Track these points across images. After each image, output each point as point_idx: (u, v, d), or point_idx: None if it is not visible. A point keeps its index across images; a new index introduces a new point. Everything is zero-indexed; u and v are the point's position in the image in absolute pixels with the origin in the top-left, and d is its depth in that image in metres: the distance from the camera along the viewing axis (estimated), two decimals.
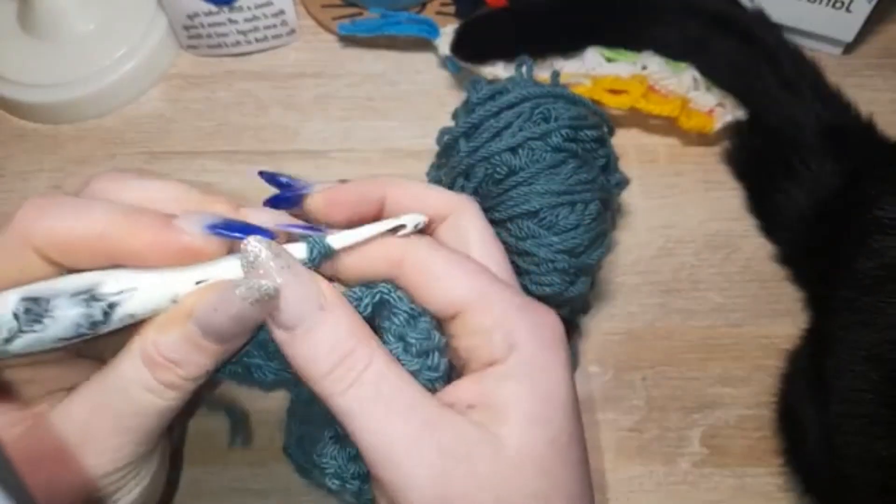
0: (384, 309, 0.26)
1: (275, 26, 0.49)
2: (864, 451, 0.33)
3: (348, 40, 0.50)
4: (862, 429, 0.33)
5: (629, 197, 0.43)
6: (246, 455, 0.37)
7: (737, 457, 0.37)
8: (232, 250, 0.26)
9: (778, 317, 0.40)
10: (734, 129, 0.44)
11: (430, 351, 0.26)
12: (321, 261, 0.26)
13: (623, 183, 0.38)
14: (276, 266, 0.24)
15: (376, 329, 0.27)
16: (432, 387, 0.26)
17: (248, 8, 0.47)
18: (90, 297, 0.24)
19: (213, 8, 0.47)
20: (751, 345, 0.40)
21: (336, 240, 0.26)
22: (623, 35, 0.44)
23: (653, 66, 0.44)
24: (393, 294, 0.26)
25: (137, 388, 0.25)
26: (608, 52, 0.44)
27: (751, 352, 0.40)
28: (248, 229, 0.25)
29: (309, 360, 0.24)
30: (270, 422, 0.38)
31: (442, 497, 0.23)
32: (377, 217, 0.28)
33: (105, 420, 0.25)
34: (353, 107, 0.48)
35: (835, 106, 0.42)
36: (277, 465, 0.37)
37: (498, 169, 0.35)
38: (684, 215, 0.43)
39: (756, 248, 0.42)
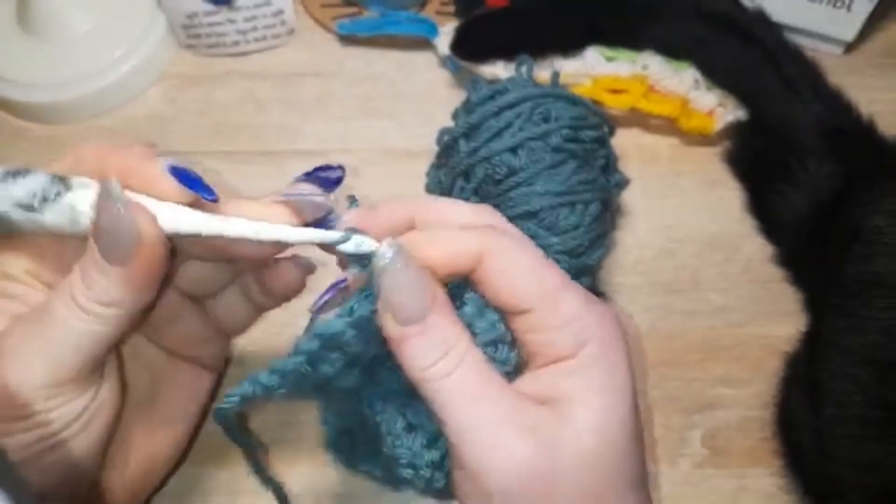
0: (453, 300, 0.27)
1: (274, 26, 0.48)
2: (856, 452, 0.33)
3: (348, 40, 0.49)
4: (854, 431, 0.33)
5: (630, 197, 0.43)
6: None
7: (737, 458, 0.37)
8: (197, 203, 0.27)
9: (779, 318, 0.40)
10: (735, 130, 0.44)
11: (497, 342, 0.27)
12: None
13: (623, 183, 0.38)
14: (400, 268, 0.25)
15: None
16: (506, 379, 0.27)
17: (247, 7, 0.47)
18: (59, 179, 0.26)
19: (212, 7, 0.46)
20: (751, 346, 0.40)
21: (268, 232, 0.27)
22: (623, 34, 0.44)
23: (653, 65, 0.44)
24: (461, 286, 0.27)
25: (58, 305, 0.26)
26: (608, 52, 0.44)
27: (751, 353, 0.39)
28: (195, 183, 0.27)
29: (418, 353, 0.25)
30: (270, 422, 0.38)
31: (525, 478, 0.24)
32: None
33: (32, 335, 0.27)
34: (352, 106, 0.48)
35: (835, 106, 0.42)
36: (276, 466, 0.37)
37: (498, 169, 0.35)
38: (685, 216, 0.43)
39: (757, 248, 0.42)
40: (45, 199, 0.26)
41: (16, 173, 0.26)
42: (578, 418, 0.25)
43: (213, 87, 0.48)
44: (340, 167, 0.29)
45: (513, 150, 0.35)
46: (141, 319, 0.29)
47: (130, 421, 0.32)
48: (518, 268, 0.27)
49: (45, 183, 0.26)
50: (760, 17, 0.44)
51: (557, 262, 0.33)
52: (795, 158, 0.40)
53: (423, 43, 0.47)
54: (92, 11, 0.48)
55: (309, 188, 0.29)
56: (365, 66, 0.49)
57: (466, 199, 0.36)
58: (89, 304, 0.26)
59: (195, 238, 0.27)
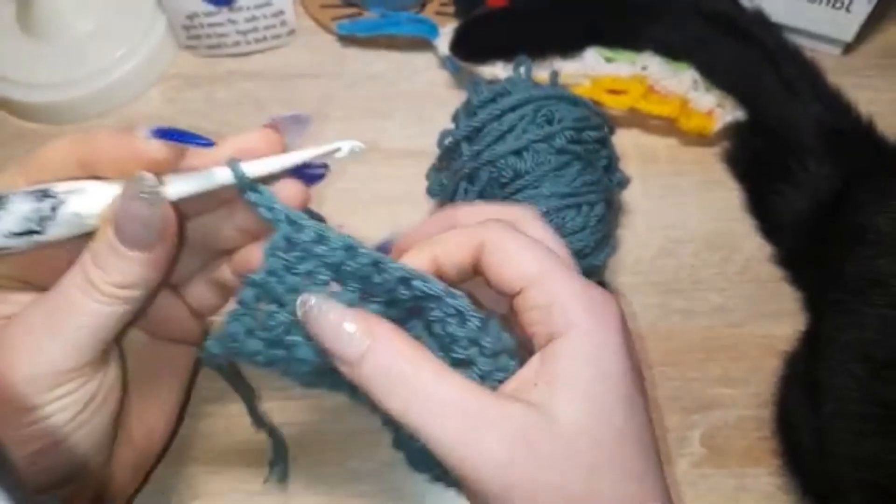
0: (459, 318, 0.27)
1: (274, 26, 0.48)
2: (856, 449, 0.33)
3: (348, 40, 0.50)
4: (853, 427, 0.33)
5: (629, 197, 0.43)
6: (246, 455, 0.37)
7: (736, 457, 0.37)
8: (185, 163, 0.28)
9: (778, 317, 0.40)
10: (734, 130, 0.44)
11: (501, 352, 0.27)
12: (244, 184, 0.27)
13: (624, 182, 0.38)
14: (330, 312, 0.26)
15: (452, 336, 0.28)
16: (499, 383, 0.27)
17: (248, 8, 0.47)
18: (42, 194, 0.26)
19: (213, 8, 0.46)
20: (750, 345, 0.40)
21: (256, 166, 0.28)
22: (623, 35, 0.44)
23: (653, 66, 0.44)
24: (462, 302, 0.27)
25: (72, 290, 0.27)
26: (608, 53, 0.44)
27: (750, 352, 0.40)
28: (186, 136, 0.28)
29: (371, 385, 0.26)
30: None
31: (510, 481, 0.24)
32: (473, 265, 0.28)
33: (43, 319, 0.27)
34: (352, 106, 0.48)
35: (834, 107, 0.42)
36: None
37: (503, 172, 0.35)
38: (684, 215, 0.44)
39: (756, 248, 0.42)
40: (42, 220, 0.26)
41: None
42: (557, 402, 0.25)
43: (214, 88, 0.48)
44: (325, 165, 0.30)
45: (517, 152, 0.35)
46: (154, 295, 0.30)
47: (128, 403, 0.32)
48: (508, 249, 0.27)
49: (33, 204, 0.26)
50: (759, 17, 0.44)
51: None
52: (795, 159, 0.41)
53: (423, 43, 0.47)
54: (93, 12, 0.48)
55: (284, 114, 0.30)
56: (365, 67, 0.49)
57: (471, 202, 0.36)
58: (108, 288, 0.27)
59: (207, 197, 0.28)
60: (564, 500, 0.24)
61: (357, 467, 0.37)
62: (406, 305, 0.28)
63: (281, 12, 0.48)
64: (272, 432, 0.36)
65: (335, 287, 0.27)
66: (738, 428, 0.38)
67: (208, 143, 0.28)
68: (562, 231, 0.34)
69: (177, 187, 0.27)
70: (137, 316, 0.29)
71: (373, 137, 0.46)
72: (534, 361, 0.27)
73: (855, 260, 0.36)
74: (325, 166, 0.30)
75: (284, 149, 0.29)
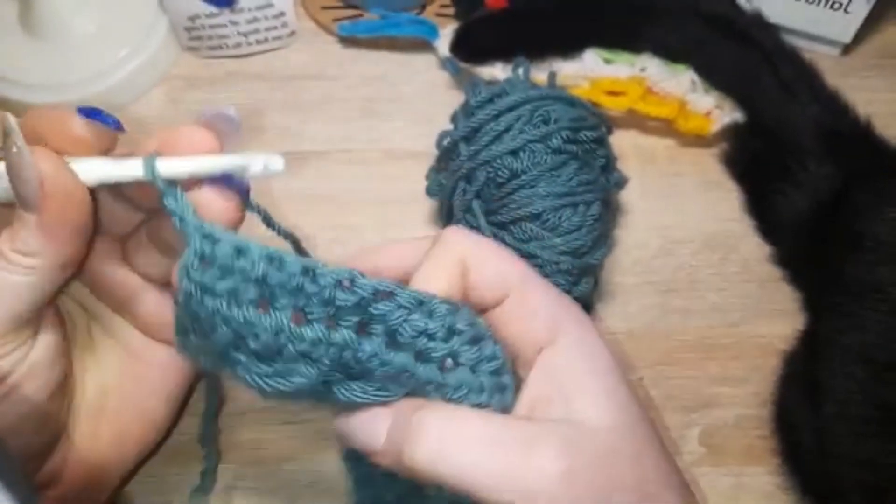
0: (423, 309, 0.26)
1: (275, 28, 0.49)
2: (856, 450, 0.33)
3: (348, 42, 0.50)
4: (852, 429, 0.33)
5: (628, 197, 0.43)
6: (246, 455, 0.37)
7: (735, 456, 0.37)
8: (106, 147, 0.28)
9: (776, 317, 0.40)
10: (732, 131, 0.44)
11: (481, 338, 0.26)
12: (157, 182, 0.26)
13: (622, 182, 0.39)
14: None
15: (423, 332, 0.26)
16: (506, 405, 0.26)
17: (249, 10, 0.47)
18: None
19: (214, 10, 0.47)
20: (749, 345, 0.40)
21: (170, 165, 0.26)
22: (621, 37, 0.44)
23: (651, 67, 0.44)
24: (418, 292, 0.26)
25: None
26: (606, 54, 0.44)
27: (749, 351, 0.40)
28: (96, 114, 0.29)
29: (366, 443, 0.26)
30: (268, 420, 0.38)
31: (576, 491, 0.24)
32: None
33: None
34: (353, 108, 0.48)
35: (832, 108, 0.42)
36: (277, 464, 0.37)
37: (500, 172, 0.35)
38: (683, 216, 0.44)
39: (754, 248, 0.43)
40: None
41: None
42: (577, 409, 0.25)
43: (216, 89, 0.49)
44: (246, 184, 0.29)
45: (514, 152, 0.35)
46: (69, 274, 0.29)
47: (118, 398, 0.32)
48: (486, 262, 0.27)
49: None
50: (758, 19, 0.44)
51: (560, 262, 0.34)
52: (794, 159, 0.41)
53: (424, 45, 0.47)
54: (94, 13, 0.48)
55: (216, 110, 0.29)
56: (366, 68, 0.49)
57: (469, 202, 0.36)
58: (11, 255, 0.27)
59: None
60: (624, 490, 0.25)
61: None
62: (353, 319, 0.25)
63: (282, 14, 0.48)
64: (209, 452, 0.36)
65: (263, 309, 0.24)
66: (737, 427, 0.38)
67: (116, 125, 0.28)
68: (558, 230, 0.34)
69: (84, 168, 0.27)
70: (53, 293, 0.29)
71: (373, 138, 0.47)
72: (535, 378, 0.27)
73: (854, 265, 0.36)
74: (247, 185, 0.29)
75: (216, 151, 0.27)
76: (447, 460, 0.24)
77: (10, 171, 0.26)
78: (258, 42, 0.49)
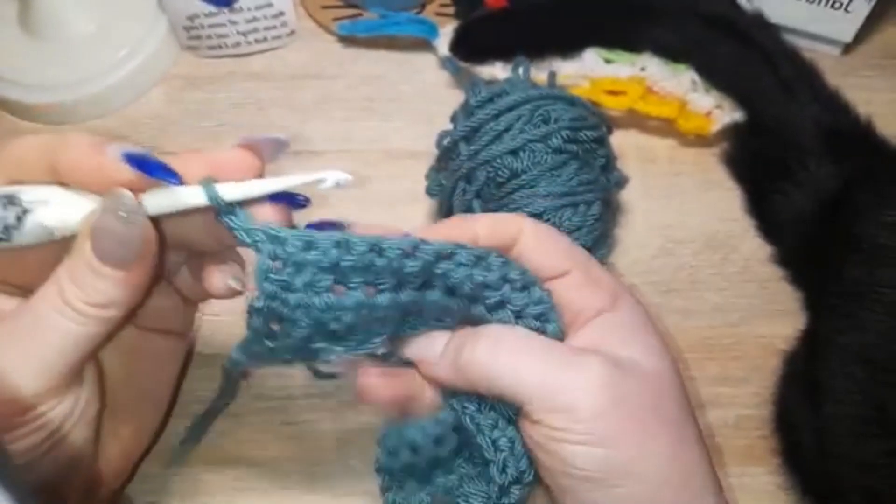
0: (482, 263, 0.28)
1: (275, 27, 0.49)
2: (855, 450, 0.33)
3: (348, 41, 0.50)
4: (852, 429, 0.33)
5: (628, 197, 0.43)
6: (246, 455, 0.37)
7: (736, 456, 0.37)
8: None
9: (776, 317, 0.40)
10: (733, 131, 0.44)
11: (542, 316, 0.29)
12: (220, 207, 0.26)
13: (622, 181, 0.38)
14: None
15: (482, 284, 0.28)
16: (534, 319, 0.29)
17: (248, 9, 0.47)
18: (8, 201, 0.25)
19: (213, 9, 0.47)
20: (749, 345, 0.40)
21: (234, 189, 0.26)
22: (622, 36, 0.44)
23: (651, 67, 0.44)
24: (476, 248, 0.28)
25: (46, 309, 0.26)
26: (607, 54, 0.44)
27: (749, 352, 0.40)
28: (154, 167, 0.26)
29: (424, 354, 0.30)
30: (268, 421, 0.38)
31: (609, 405, 0.27)
32: None
33: (16, 339, 0.26)
34: (352, 107, 0.48)
35: (833, 108, 0.42)
36: (277, 464, 0.37)
37: (500, 172, 0.35)
38: (683, 216, 0.44)
39: (754, 248, 0.43)
40: (6, 228, 0.25)
41: None
42: (638, 359, 0.28)
43: (215, 89, 0.49)
44: (306, 198, 0.29)
45: (514, 152, 0.35)
46: (133, 315, 0.29)
47: (115, 399, 0.32)
48: (550, 240, 0.30)
49: None
50: (758, 19, 0.44)
51: None
52: (794, 159, 0.41)
53: (424, 44, 0.47)
54: (94, 13, 0.48)
55: (262, 135, 0.29)
56: (365, 68, 0.49)
57: (468, 202, 0.36)
58: (85, 308, 0.26)
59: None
60: (648, 432, 0.27)
61: (357, 466, 0.37)
62: (418, 280, 0.27)
63: (281, 13, 0.48)
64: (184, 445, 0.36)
65: (340, 290, 0.26)
66: (737, 427, 0.38)
67: (175, 179, 0.26)
68: (559, 230, 0.34)
69: (151, 205, 0.26)
70: (110, 337, 0.28)
71: (372, 138, 0.46)
72: (594, 327, 0.29)
73: (852, 266, 0.36)
74: (307, 198, 0.29)
75: (262, 172, 0.28)
76: (500, 359, 0.28)
77: (108, 238, 0.25)
78: (257, 41, 0.49)
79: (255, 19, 0.48)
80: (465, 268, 0.28)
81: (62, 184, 0.26)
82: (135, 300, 0.27)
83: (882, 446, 0.32)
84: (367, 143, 0.46)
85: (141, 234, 0.26)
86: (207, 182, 0.26)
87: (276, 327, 0.27)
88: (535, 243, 0.30)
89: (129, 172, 0.26)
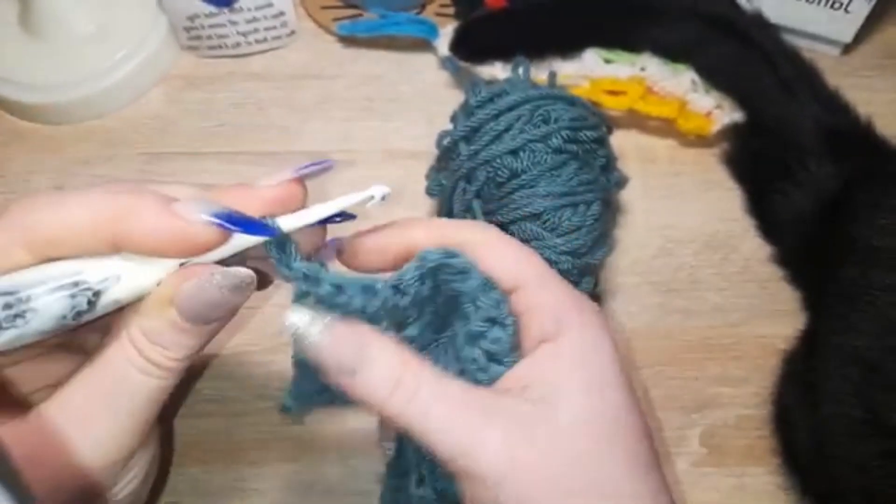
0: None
1: (275, 27, 0.49)
2: (853, 451, 0.33)
3: (348, 41, 0.50)
4: (848, 430, 0.33)
5: (628, 197, 0.43)
6: (246, 455, 0.37)
7: (736, 456, 0.37)
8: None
9: (777, 317, 0.40)
10: (733, 131, 0.44)
11: (494, 321, 0.27)
12: (283, 241, 0.26)
13: (622, 181, 0.38)
14: (317, 332, 0.25)
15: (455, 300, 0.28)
16: (488, 378, 0.27)
17: (248, 9, 0.47)
18: (74, 286, 0.24)
19: (214, 9, 0.47)
20: (749, 345, 0.40)
21: (291, 221, 0.26)
22: (622, 36, 0.44)
23: (651, 67, 0.44)
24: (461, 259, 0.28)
25: (129, 370, 0.26)
26: (606, 54, 0.44)
27: (750, 351, 0.40)
28: (251, 224, 0.25)
29: (370, 395, 0.26)
30: (269, 421, 0.38)
31: (512, 471, 0.24)
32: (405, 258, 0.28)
33: (100, 406, 0.26)
34: (352, 107, 0.48)
35: (833, 108, 0.42)
36: (278, 464, 0.37)
37: (500, 172, 0.35)
38: (683, 216, 0.44)
39: (755, 248, 0.43)
40: (78, 314, 0.24)
41: (16, 315, 0.23)
42: (557, 401, 0.25)
43: (215, 89, 0.49)
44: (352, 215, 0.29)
45: (514, 152, 0.35)
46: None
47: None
48: (506, 251, 0.28)
49: (66, 301, 0.24)
50: (758, 19, 0.44)
51: (560, 262, 0.34)
52: (795, 159, 0.41)
53: (424, 44, 0.47)
54: (94, 13, 0.48)
55: (311, 165, 0.28)
56: (365, 68, 0.49)
57: (469, 202, 0.36)
58: (172, 364, 0.26)
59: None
60: (564, 492, 0.24)
61: (357, 466, 0.37)
62: (435, 301, 0.28)
63: (281, 13, 0.48)
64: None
65: None
66: (737, 427, 0.38)
67: (274, 233, 0.26)
68: (558, 230, 0.34)
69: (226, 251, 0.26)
70: None
71: (372, 138, 0.46)
72: (529, 361, 0.27)
73: (849, 268, 0.36)
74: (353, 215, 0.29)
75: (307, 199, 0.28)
76: (431, 412, 0.25)
77: (205, 305, 0.25)
78: (257, 42, 0.49)
79: (255, 19, 0.48)
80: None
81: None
82: (202, 348, 0.27)
83: (877, 448, 0.32)
84: (367, 143, 0.46)
85: (230, 301, 0.26)
86: (271, 219, 0.26)
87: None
88: (490, 254, 0.28)
89: (215, 234, 0.25)
